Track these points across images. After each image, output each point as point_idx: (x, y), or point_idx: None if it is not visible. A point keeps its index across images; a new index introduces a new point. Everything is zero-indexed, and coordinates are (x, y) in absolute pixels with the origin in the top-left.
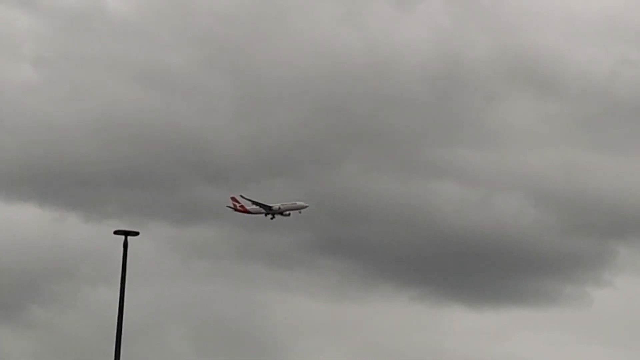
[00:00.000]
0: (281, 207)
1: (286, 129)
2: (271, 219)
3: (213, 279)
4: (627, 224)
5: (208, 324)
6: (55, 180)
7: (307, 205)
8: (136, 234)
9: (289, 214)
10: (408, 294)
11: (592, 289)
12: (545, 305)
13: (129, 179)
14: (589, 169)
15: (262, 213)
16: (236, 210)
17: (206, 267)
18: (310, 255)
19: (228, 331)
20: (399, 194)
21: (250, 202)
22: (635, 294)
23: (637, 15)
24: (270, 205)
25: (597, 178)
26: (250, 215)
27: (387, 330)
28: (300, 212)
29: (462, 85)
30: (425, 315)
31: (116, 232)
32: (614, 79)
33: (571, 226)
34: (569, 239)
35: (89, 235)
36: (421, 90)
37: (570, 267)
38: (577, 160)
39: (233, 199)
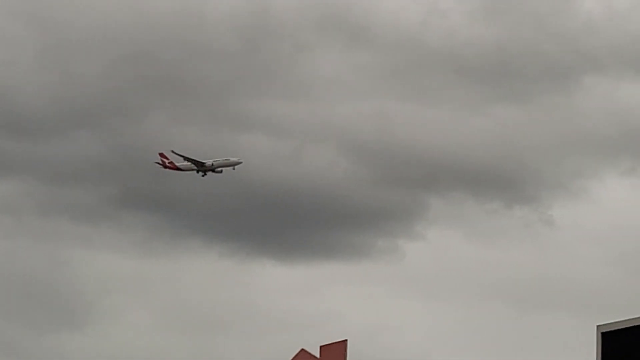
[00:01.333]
0: (214, 163)
1: (90, 78)
2: (202, 176)
3: (14, 236)
4: (439, 175)
5: (10, 282)
6: None
7: (241, 161)
8: None
9: (221, 171)
10: (218, 249)
11: (404, 242)
12: (358, 259)
13: None
14: (400, 119)
15: (193, 170)
16: (165, 167)
17: (7, 223)
18: (116, 210)
19: (31, 289)
20: (207, 146)
21: (182, 158)
22: (447, 247)
23: None
24: (203, 161)
25: (409, 129)
26: (179, 172)
27: (197, 286)
28: (234, 169)
29: (271, 35)
30: (236, 270)
31: None
32: (424, 29)
33: (383, 178)
34: (380, 191)
35: None
36: (229, 40)
37: (382, 220)
38: (388, 111)
39: (161, 155)
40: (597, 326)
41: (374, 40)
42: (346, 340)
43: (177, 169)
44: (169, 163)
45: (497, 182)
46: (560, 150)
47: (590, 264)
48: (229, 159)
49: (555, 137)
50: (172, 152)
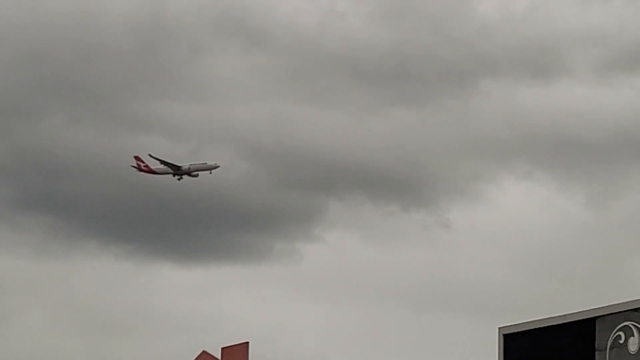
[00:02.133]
0: (190, 167)
1: None
2: (178, 179)
3: None
4: (337, 178)
5: None
6: None
7: (218, 165)
8: None
9: (197, 175)
10: (114, 251)
11: (302, 245)
12: (256, 262)
13: None
14: (298, 121)
15: (169, 173)
16: (140, 170)
17: None
18: (12, 212)
19: None
20: (104, 148)
21: (158, 162)
22: (345, 249)
23: None
24: (179, 165)
25: (307, 131)
26: (156, 175)
27: (93, 289)
28: (210, 173)
29: (168, 36)
30: (133, 272)
31: None
32: (321, 31)
33: (281, 181)
34: (278, 193)
35: None
36: (126, 41)
37: (280, 223)
38: (286, 112)
39: (137, 158)
40: (499, 328)
41: (271, 42)
42: (248, 342)
43: (153, 172)
44: (144, 166)
45: (394, 185)
46: (457, 153)
47: (487, 267)
48: (205, 163)
49: (452, 140)
50: (150, 155)
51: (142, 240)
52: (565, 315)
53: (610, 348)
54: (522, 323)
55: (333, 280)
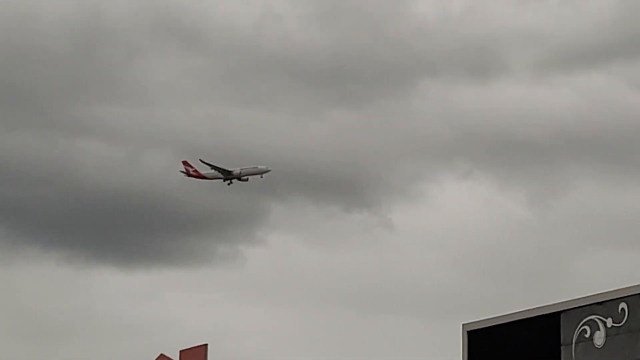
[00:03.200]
0: (241, 171)
1: None
2: (228, 184)
3: None
4: (279, 180)
5: None
6: None
7: (269, 169)
8: None
9: (247, 179)
10: (56, 256)
11: (245, 248)
12: (198, 265)
13: None
14: (236, 123)
15: (219, 178)
16: (189, 175)
17: None
18: None
19: None
20: (42, 152)
21: (208, 167)
22: (288, 252)
23: None
24: (230, 169)
25: (246, 133)
26: (205, 180)
27: (34, 294)
28: (261, 177)
29: (104, 39)
30: (74, 277)
31: None
32: (259, 33)
33: (222, 183)
34: (220, 196)
35: None
36: (62, 44)
37: (222, 226)
38: (225, 115)
39: (185, 163)
40: (463, 325)
41: (208, 44)
42: (207, 344)
43: (202, 177)
44: (192, 171)
45: (336, 186)
46: (398, 154)
47: (429, 267)
48: (257, 167)
49: (393, 141)
50: (200, 160)
51: (83, 245)
52: (529, 310)
53: (576, 343)
54: (486, 319)
55: (276, 283)
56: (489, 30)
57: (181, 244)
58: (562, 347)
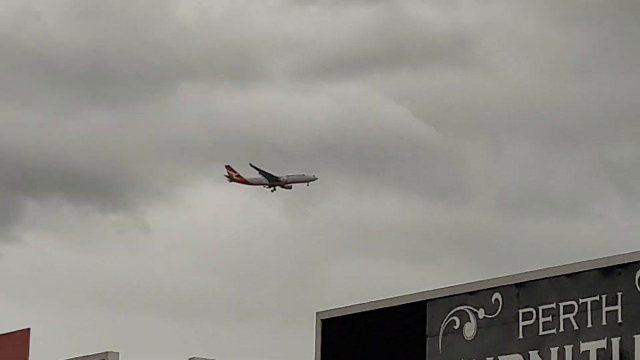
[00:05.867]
0: (288, 178)
1: None
2: (272, 191)
3: None
4: (35, 178)
5: None
6: None
7: (316, 177)
8: None
9: (290, 187)
10: None
11: (0, 246)
12: None
13: None
14: None
15: (264, 184)
16: (232, 180)
17: None
18: None
19: None
20: None
21: (257, 171)
22: (44, 251)
23: None
24: (278, 176)
25: (2, 131)
26: (249, 185)
27: None
28: (307, 185)
29: None
30: None
31: None
32: (16, 30)
33: None
34: None
35: None
36: None
37: None
38: None
39: (228, 167)
40: (317, 313)
41: None
42: (29, 328)
43: (246, 182)
44: (236, 176)
45: (93, 187)
46: (155, 156)
47: (186, 270)
48: (303, 175)
49: (151, 143)
50: (250, 165)
51: None
52: (392, 298)
53: (444, 334)
54: (344, 307)
55: (32, 282)
56: (249, 36)
57: None
58: (427, 339)
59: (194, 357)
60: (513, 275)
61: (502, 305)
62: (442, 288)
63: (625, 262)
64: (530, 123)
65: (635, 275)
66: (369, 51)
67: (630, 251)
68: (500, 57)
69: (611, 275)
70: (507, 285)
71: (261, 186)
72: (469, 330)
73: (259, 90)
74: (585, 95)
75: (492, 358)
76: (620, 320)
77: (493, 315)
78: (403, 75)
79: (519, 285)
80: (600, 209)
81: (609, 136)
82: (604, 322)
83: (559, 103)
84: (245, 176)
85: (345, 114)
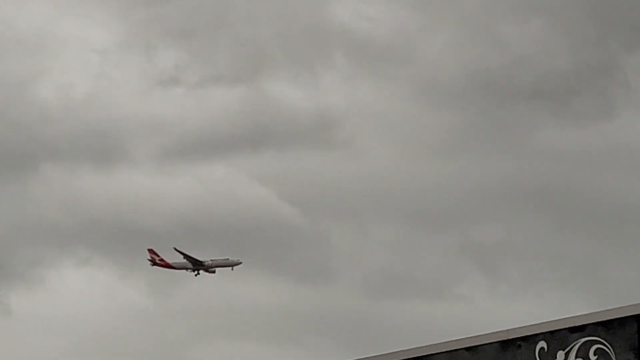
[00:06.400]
0: (212, 262)
1: None
2: (196, 275)
3: None
4: None
5: None
6: None
7: (240, 261)
8: None
9: (214, 271)
10: None
11: None
12: None
13: None
14: None
15: (188, 268)
16: (154, 264)
17: None
18: None
19: None
20: None
21: (181, 255)
22: None
23: None
24: (202, 260)
25: None
26: (173, 270)
27: None
28: (232, 269)
29: None
30: None
31: None
32: None
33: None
34: None
35: None
36: None
37: None
38: None
39: (151, 251)
40: None
41: None
42: None
43: (169, 266)
44: (159, 260)
45: None
46: (17, 239)
47: (48, 354)
48: (228, 259)
49: (12, 225)
50: (175, 249)
51: None
52: None
53: None
54: None
55: None
56: (112, 117)
57: None
58: None
59: None
60: (411, 349)
61: None
62: None
63: (525, 334)
64: (395, 204)
65: (535, 347)
66: (234, 132)
67: (529, 324)
68: (364, 138)
69: (511, 348)
70: (406, 359)
71: (184, 270)
72: None
73: (122, 171)
74: (449, 176)
75: None
76: None
77: None
78: (268, 157)
79: (417, 359)
80: (464, 289)
81: (472, 217)
82: None
83: (423, 184)
84: (169, 260)
85: (210, 195)
